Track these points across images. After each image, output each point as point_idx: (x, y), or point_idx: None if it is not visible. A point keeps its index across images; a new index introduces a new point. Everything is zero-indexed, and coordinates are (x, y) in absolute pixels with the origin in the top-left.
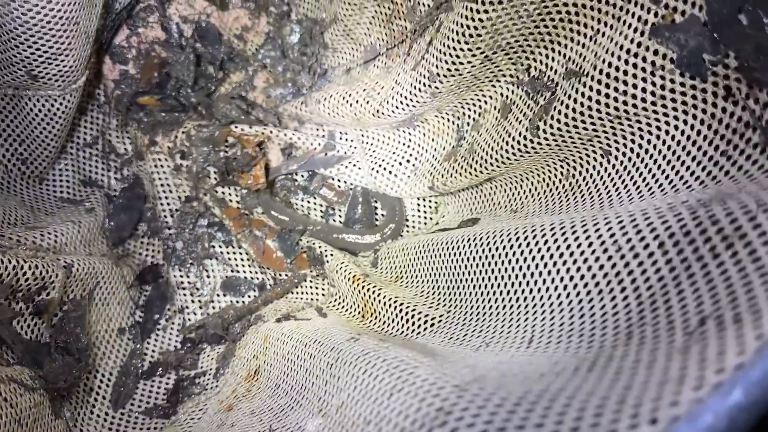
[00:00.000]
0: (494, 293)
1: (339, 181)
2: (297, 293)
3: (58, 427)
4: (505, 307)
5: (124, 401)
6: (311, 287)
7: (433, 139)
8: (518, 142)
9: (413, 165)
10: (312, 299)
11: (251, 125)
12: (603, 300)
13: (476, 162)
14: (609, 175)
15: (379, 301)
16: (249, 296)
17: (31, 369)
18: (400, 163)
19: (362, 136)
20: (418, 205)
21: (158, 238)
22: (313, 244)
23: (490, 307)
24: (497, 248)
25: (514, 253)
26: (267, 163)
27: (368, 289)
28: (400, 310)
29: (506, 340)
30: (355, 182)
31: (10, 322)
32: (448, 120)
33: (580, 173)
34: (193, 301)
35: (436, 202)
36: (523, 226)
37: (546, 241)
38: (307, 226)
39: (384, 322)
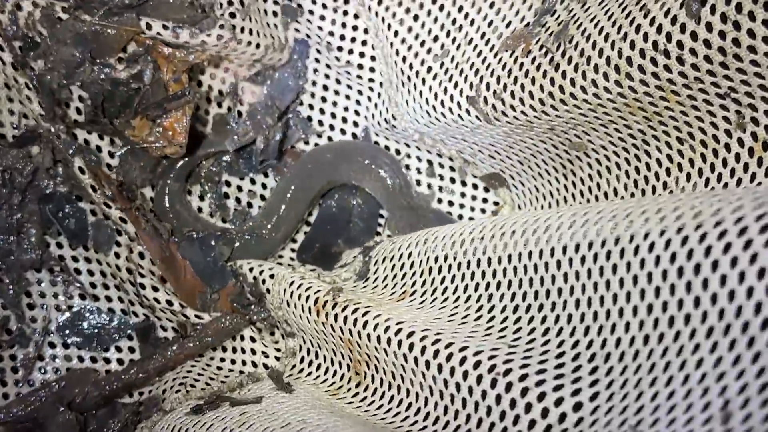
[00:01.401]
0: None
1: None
2: (227, 354)
3: None
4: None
5: None
6: (257, 343)
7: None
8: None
9: (441, 47)
10: (258, 365)
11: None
12: None
13: (574, 65)
14: None
15: (378, 334)
16: (120, 352)
17: None
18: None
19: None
20: (462, 195)
21: None
22: (243, 266)
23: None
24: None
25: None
26: (192, 112)
27: (349, 313)
28: (429, 351)
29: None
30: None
31: None
32: None
33: None
34: None
35: (496, 201)
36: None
37: None
38: (237, 234)
39: (396, 378)
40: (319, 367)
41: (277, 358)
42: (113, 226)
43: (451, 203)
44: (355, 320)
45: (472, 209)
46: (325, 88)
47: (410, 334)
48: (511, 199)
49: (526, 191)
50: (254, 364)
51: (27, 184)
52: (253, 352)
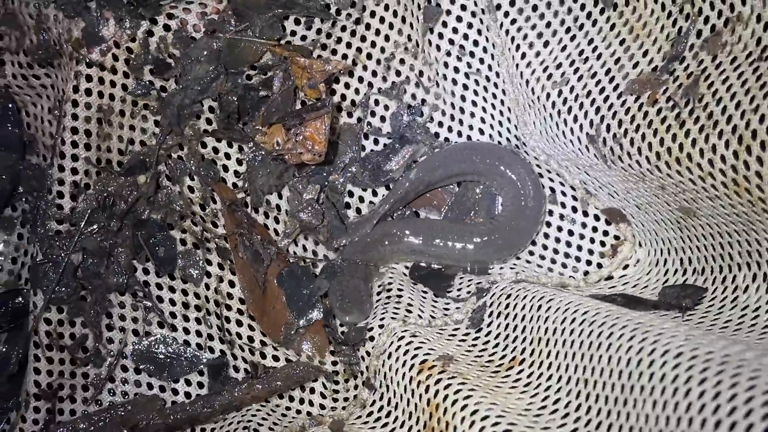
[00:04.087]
0: None
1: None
2: (294, 404)
3: None
4: None
5: None
6: (327, 390)
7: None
8: None
9: (562, 74)
10: (321, 409)
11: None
12: None
13: (700, 126)
14: None
15: (472, 421)
16: (189, 385)
17: None
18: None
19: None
20: (583, 225)
21: (33, 236)
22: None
23: None
24: None
25: None
26: (330, 122)
27: (451, 392)
28: None
29: None
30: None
31: None
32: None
33: None
34: (68, 374)
35: (617, 234)
36: None
37: None
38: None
39: None
40: (386, 425)
41: (344, 408)
42: (204, 256)
43: (571, 233)
44: (455, 401)
45: (592, 241)
46: (453, 106)
47: None
48: (632, 235)
49: (646, 232)
50: (321, 406)
51: (126, 211)
52: (323, 396)
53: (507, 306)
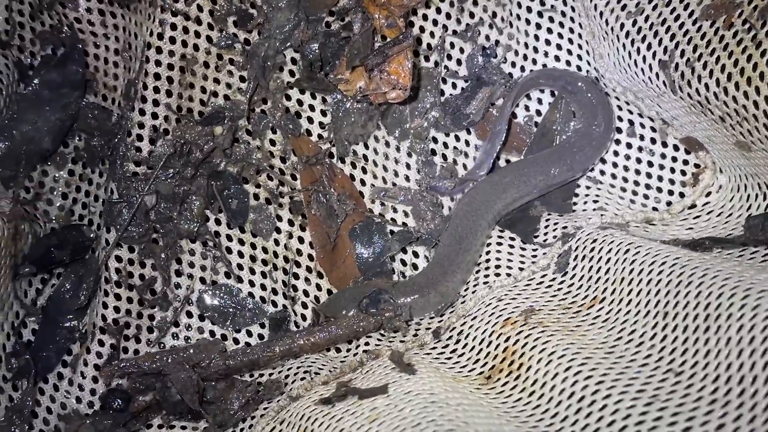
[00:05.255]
0: None
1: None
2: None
3: None
4: None
5: None
6: (384, 339)
7: None
8: None
9: (637, 4)
10: (378, 342)
11: None
12: None
13: None
14: None
15: (549, 361)
16: (249, 336)
17: None
18: None
19: None
20: (662, 156)
21: (108, 177)
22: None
23: None
24: None
25: None
26: (411, 56)
27: (531, 339)
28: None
29: None
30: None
31: None
32: None
33: None
34: (135, 314)
35: (697, 162)
36: None
37: None
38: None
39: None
40: (448, 359)
41: (402, 342)
42: (275, 212)
43: (650, 164)
44: (534, 346)
45: (673, 170)
46: (527, 45)
47: (574, 375)
48: (712, 162)
49: (723, 158)
50: (378, 343)
51: (202, 160)
52: (380, 338)
53: (592, 250)
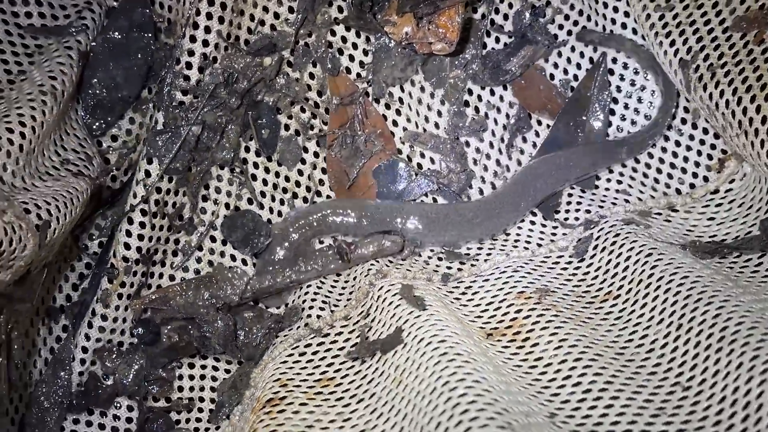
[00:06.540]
0: None
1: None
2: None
3: None
4: None
5: None
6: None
7: None
8: None
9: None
10: (387, 265)
11: None
12: None
13: None
14: None
15: (550, 340)
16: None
17: None
18: None
19: None
20: (691, 138)
21: (154, 106)
22: None
23: None
24: None
25: None
26: (464, 11)
27: (536, 316)
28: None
29: None
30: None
31: None
32: None
33: None
34: (163, 240)
35: (723, 149)
36: None
37: None
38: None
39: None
40: (458, 299)
41: (409, 270)
42: (302, 143)
43: (678, 143)
44: (545, 327)
45: (699, 153)
46: (573, 7)
47: (583, 368)
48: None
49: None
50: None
51: (247, 90)
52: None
53: (614, 243)
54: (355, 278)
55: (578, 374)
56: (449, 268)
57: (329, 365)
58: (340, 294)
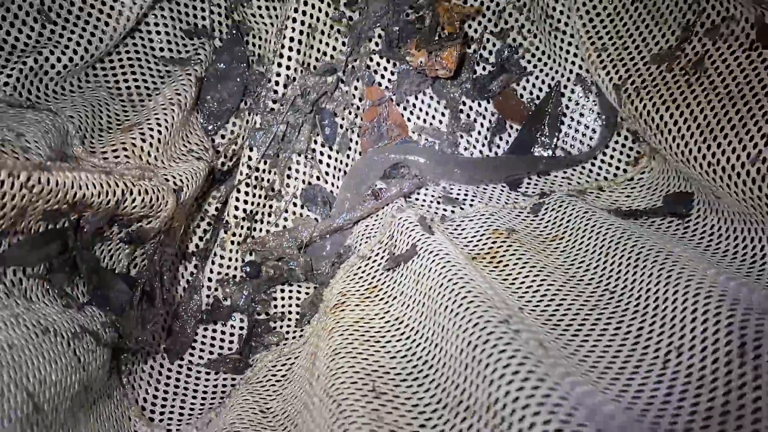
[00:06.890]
0: None
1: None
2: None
3: (113, 384)
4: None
5: (181, 350)
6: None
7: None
8: None
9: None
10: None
11: None
12: None
13: (705, 93)
14: None
15: (516, 260)
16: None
17: (101, 312)
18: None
19: None
20: (616, 142)
21: (251, 111)
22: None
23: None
24: None
25: None
26: (461, 48)
27: (507, 246)
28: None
29: None
30: None
31: (94, 249)
32: None
33: None
34: (261, 205)
35: (638, 150)
36: None
37: None
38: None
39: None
40: (451, 233)
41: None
42: (350, 135)
43: (607, 146)
44: (513, 253)
45: (621, 153)
46: (538, 49)
47: (540, 280)
48: (648, 151)
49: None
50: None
51: (316, 100)
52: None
53: (560, 205)
54: (383, 216)
55: (537, 284)
56: (445, 210)
57: (373, 277)
58: (375, 229)
